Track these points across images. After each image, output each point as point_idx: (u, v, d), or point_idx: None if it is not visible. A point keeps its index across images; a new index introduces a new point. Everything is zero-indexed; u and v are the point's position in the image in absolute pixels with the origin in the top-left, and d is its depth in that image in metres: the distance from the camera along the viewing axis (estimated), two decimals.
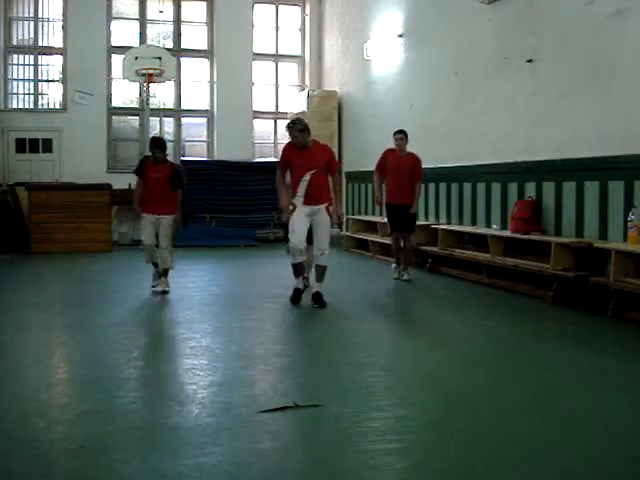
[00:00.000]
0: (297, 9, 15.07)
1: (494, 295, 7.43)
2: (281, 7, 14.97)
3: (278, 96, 14.98)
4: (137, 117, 14.05)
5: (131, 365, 4.75)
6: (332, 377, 4.37)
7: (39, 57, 13.71)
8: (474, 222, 8.93)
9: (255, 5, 14.66)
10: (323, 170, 6.58)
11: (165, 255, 7.21)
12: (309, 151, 6.54)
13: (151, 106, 13.37)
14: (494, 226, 8.31)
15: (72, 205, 11.65)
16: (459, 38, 9.33)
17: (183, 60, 14.29)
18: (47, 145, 13.40)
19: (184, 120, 14.49)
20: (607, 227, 6.74)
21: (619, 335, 5.65)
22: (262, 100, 14.84)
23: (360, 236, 11.51)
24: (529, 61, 7.83)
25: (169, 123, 14.35)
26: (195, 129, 14.73)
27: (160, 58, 12.74)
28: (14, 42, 13.64)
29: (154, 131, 13.56)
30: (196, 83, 14.61)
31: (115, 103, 14.10)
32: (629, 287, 5.93)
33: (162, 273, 7.26)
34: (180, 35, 14.37)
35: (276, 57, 15.02)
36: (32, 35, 13.65)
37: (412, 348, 5.31)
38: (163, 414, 3.60)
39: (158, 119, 14.01)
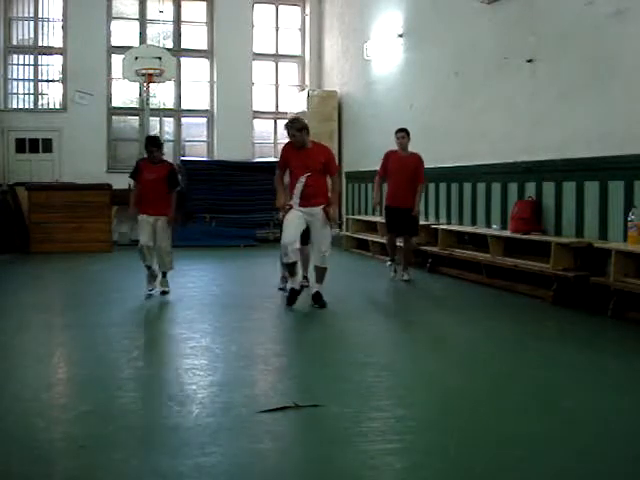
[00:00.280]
0: (297, 9, 15.07)
1: (494, 295, 7.43)
2: (281, 7, 14.98)
3: (278, 96, 14.98)
4: (137, 117, 14.04)
5: (131, 365, 4.75)
6: (332, 377, 4.37)
7: (39, 57, 13.71)
8: (474, 222, 8.93)
9: (255, 5, 14.66)
10: (321, 172, 6.51)
11: (164, 256, 7.13)
12: (307, 152, 6.47)
13: (151, 106, 13.36)
14: (494, 226, 8.31)
15: (72, 205, 11.64)
16: (459, 38, 9.33)
17: (183, 60, 14.29)
18: (47, 145, 13.40)
19: (184, 120, 14.49)
20: (607, 227, 6.74)
21: (619, 335, 5.65)
22: (262, 100, 14.84)
23: (360, 236, 11.51)
24: (529, 61, 7.83)
25: (169, 123, 14.35)
26: (195, 129, 14.73)
27: (160, 58, 12.74)
28: (14, 42, 13.64)
29: (154, 131, 13.56)
30: (196, 83, 14.61)
31: (115, 103, 14.10)
32: (629, 287, 5.93)
33: (162, 273, 7.22)
34: (180, 35, 14.37)
35: (276, 57, 15.02)
36: (32, 35, 13.65)
37: (412, 348, 5.32)
38: (163, 414, 3.60)
39: (158, 119, 14.02)
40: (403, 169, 8.17)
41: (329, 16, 14.32)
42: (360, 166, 12.38)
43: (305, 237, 6.64)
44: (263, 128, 14.96)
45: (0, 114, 13.21)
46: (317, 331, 5.91)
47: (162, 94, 14.34)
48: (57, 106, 13.72)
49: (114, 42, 13.87)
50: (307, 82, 14.90)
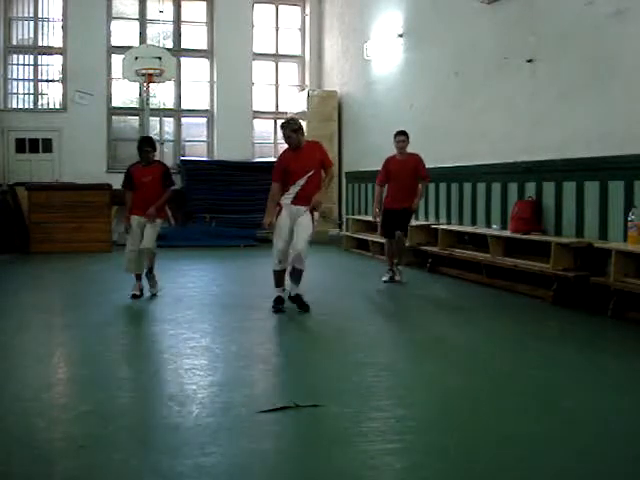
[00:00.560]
0: (297, 9, 15.07)
1: (494, 295, 7.43)
2: (281, 7, 14.98)
3: (278, 96, 14.98)
4: (137, 117, 14.04)
5: (131, 365, 4.76)
6: (332, 377, 4.37)
7: (39, 57, 13.71)
8: (474, 222, 8.93)
9: (255, 5, 14.66)
10: (319, 168, 6.41)
11: (147, 254, 6.96)
12: (303, 153, 6.36)
13: (151, 106, 13.37)
14: (494, 226, 8.31)
15: (72, 205, 11.65)
16: (459, 38, 9.33)
17: (183, 60, 14.28)
18: (47, 145, 13.40)
19: (184, 120, 14.49)
20: (607, 227, 6.74)
21: (619, 335, 5.65)
22: (262, 100, 14.84)
23: (360, 236, 11.51)
24: (529, 61, 7.83)
25: (169, 123, 14.35)
26: (195, 129, 14.72)
27: (160, 58, 12.75)
28: (14, 42, 13.64)
29: (154, 131, 13.57)
30: (196, 83, 14.61)
31: (115, 103, 14.10)
32: (629, 287, 5.93)
33: (147, 274, 7.11)
34: (180, 35, 14.37)
35: (276, 57, 15.02)
36: (32, 35, 13.65)
37: (412, 348, 5.31)
38: (163, 414, 3.60)
39: (158, 119, 14.03)
40: (403, 171, 8.13)
41: (329, 16, 14.32)
42: (360, 166, 12.38)
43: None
44: (263, 128, 14.96)
45: (0, 114, 13.21)
46: (317, 331, 5.91)
47: (162, 94, 14.34)
48: (57, 106, 13.72)
49: (114, 42, 13.87)
50: (307, 82, 14.90)
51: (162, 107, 14.28)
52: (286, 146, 6.57)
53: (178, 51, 14.12)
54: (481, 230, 8.44)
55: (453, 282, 8.35)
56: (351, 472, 2.92)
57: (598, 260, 6.55)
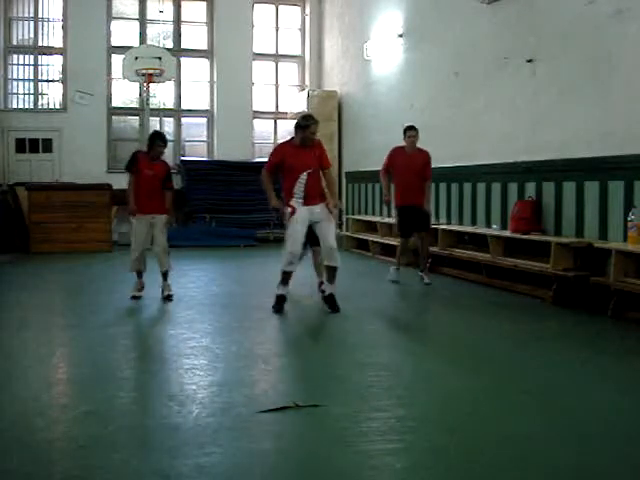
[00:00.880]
0: (297, 9, 15.07)
1: (494, 295, 7.43)
2: (281, 7, 14.98)
3: (278, 96, 14.98)
4: (137, 117, 14.04)
5: (131, 365, 4.76)
6: (332, 377, 4.37)
7: (39, 57, 13.71)
8: (474, 222, 8.93)
9: (255, 5, 14.66)
10: (318, 167, 6.40)
11: (162, 255, 6.99)
12: (305, 150, 6.35)
13: (151, 106, 13.37)
14: (494, 226, 8.31)
15: (72, 205, 11.65)
16: (459, 38, 9.33)
17: (183, 60, 14.29)
18: (47, 145, 13.40)
19: (184, 120, 14.49)
20: (607, 227, 6.74)
21: (619, 335, 5.65)
22: (262, 100, 14.84)
23: (360, 236, 11.51)
24: (529, 61, 7.82)
25: (169, 123, 14.35)
26: (195, 129, 14.73)
27: (160, 58, 12.75)
28: (14, 42, 13.64)
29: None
30: (196, 83, 14.61)
31: (115, 103, 14.10)
32: (629, 287, 5.93)
33: (163, 276, 7.13)
34: (180, 35, 14.37)
35: (276, 57, 15.02)
36: (32, 35, 13.66)
37: (412, 348, 5.31)
38: (163, 414, 3.60)
39: (158, 119, 14.02)
40: (411, 167, 8.03)
41: (329, 16, 14.32)
42: (360, 166, 12.38)
43: (314, 238, 6.49)
44: (263, 128, 14.95)
45: (0, 114, 13.21)
46: (317, 331, 5.91)
47: (162, 94, 14.34)
48: (57, 106, 13.72)
49: (114, 42, 13.88)
50: (307, 82, 14.89)
51: (162, 107, 14.28)
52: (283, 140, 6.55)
53: (178, 51, 14.12)
54: (481, 230, 8.44)
55: (453, 282, 8.36)
56: (351, 472, 2.92)
57: (598, 260, 6.55)
